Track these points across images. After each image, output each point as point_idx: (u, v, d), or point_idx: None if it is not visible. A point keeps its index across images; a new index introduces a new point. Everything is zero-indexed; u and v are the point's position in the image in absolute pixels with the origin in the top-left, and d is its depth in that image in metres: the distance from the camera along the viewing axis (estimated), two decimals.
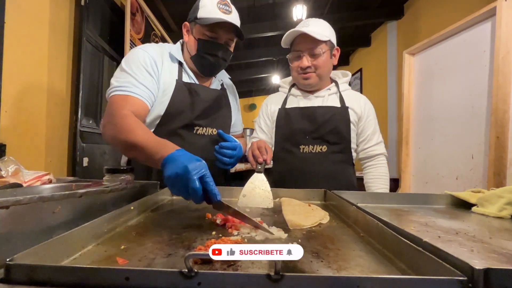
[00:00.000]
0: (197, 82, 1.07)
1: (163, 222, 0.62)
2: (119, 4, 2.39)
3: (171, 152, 0.65)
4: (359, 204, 0.66)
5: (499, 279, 0.30)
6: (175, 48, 1.05)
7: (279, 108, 1.20)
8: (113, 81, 0.91)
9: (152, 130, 0.98)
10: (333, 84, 1.19)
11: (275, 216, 0.69)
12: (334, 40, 1.13)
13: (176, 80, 1.00)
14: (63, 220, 0.45)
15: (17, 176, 0.74)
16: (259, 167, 0.90)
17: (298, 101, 1.18)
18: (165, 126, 1.00)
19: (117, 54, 2.28)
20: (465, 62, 1.69)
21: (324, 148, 1.11)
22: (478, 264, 0.31)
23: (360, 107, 1.15)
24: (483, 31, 1.57)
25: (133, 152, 0.78)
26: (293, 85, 1.25)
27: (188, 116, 1.02)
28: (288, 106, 1.19)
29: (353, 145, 1.15)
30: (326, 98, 1.15)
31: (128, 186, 0.70)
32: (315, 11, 3.42)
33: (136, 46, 2.41)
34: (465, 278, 0.30)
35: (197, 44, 1.00)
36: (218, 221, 0.61)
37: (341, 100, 1.15)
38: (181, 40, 1.10)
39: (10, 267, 0.31)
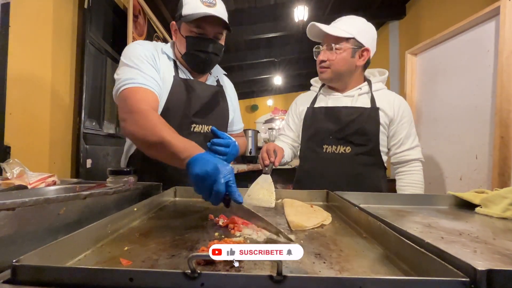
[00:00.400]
0: (192, 78, 1.06)
1: (166, 223, 0.63)
2: (121, 7, 2.41)
3: (201, 152, 0.65)
4: (361, 205, 0.66)
5: (502, 280, 0.30)
6: (167, 47, 1.04)
7: (308, 107, 1.20)
8: (118, 76, 0.89)
9: None
10: (365, 83, 1.15)
11: (278, 217, 0.69)
12: (363, 40, 1.09)
13: (174, 76, 0.99)
14: (68, 221, 0.46)
15: (22, 178, 0.74)
16: (266, 169, 0.92)
17: (327, 100, 1.17)
18: (167, 120, 0.94)
19: (120, 56, 2.30)
20: (469, 62, 1.68)
21: (348, 149, 1.08)
22: (481, 265, 0.31)
23: (393, 108, 1.09)
24: (487, 30, 1.56)
25: (156, 149, 0.76)
26: (323, 84, 1.24)
27: (186, 112, 1.01)
28: (316, 105, 1.19)
29: (382, 148, 1.10)
30: (355, 98, 1.12)
31: (131, 187, 0.70)
32: (317, 12, 3.41)
33: None
34: (468, 279, 0.29)
35: (186, 42, 0.98)
36: (220, 223, 0.61)
37: (372, 100, 1.10)
38: (171, 41, 1.09)
39: (16, 268, 0.32)
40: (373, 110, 1.08)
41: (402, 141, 1.10)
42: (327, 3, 3.32)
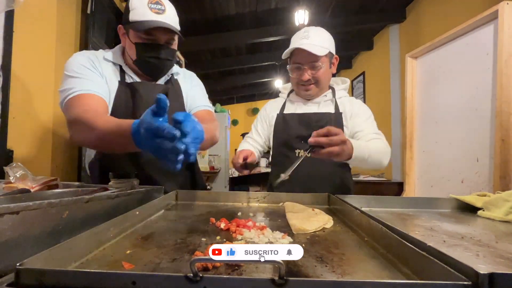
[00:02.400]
0: (139, 81, 1.02)
1: (168, 226, 0.63)
2: (123, 12, 2.43)
3: (130, 129, 0.64)
4: (363, 208, 0.66)
5: (505, 283, 0.30)
6: (111, 53, 1.01)
7: (277, 114, 1.25)
8: (61, 88, 0.88)
9: None
10: (330, 91, 1.23)
11: (279, 221, 0.69)
12: (333, 50, 1.15)
13: (119, 81, 0.97)
14: (71, 225, 0.46)
15: (24, 182, 0.75)
16: (243, 171, 1.04)
17: (295, 107, 1.23)
18: None
19: None
20: (468, 65, 1.68)
21: None
22: (484, 268, 0.31)
23: (352, 110, 1.17)
24: (486, 34, 1.56)
25: (106, 144, 0.77)
26: (291, 91, 1.29)
27: (135, 113, 0.96)
28: (286, 111, 1.24)
29: None
30: (321, 104, 1.20)
31: (133, 191, 0.71)
32: (317, 16, 3.44)
33: None
34: (470, 283, 0.29)
35: (136, 48, 0.94)
36: (222, 226, 0.61)
37: (336, 106, 1.18)
38: (119, 45, 1.05)
39: (20, 272, 0.32)
40: (337, 115, 1.16)
41: (362, 128, 1.13)
42: (328, 7, 3.34)
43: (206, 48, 4.15)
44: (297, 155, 1.15)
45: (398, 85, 3.53)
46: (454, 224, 0.67)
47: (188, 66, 4.23)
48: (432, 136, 1.95)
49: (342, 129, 1.12)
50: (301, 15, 3.04)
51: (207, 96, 1.29)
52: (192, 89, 1.20)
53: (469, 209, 0.80)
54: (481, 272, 0.30)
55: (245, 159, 1.10)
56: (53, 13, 1.60)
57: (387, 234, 0.47)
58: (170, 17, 0.94)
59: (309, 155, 0.80)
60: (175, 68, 1.17)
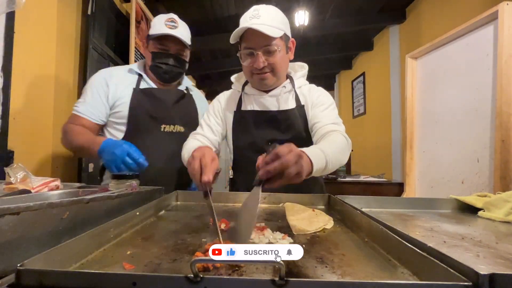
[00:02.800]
0: (155, 87, 1.22)
1: (168, 227, 0.63)
2: (124, 13, 2.44)
3: (99, 146, 0.97)
4: (363, 209, 0.66)
5: (505, 284, 0.30)
6: (136, 64, 1.24)
7: (234, 111, 1.08)
8: (77, 101, 1.16)
9: (125, 130, 1.15)
10: (288, 81, 1.08)
11: (279, 221, 0.69)
12: (288, 31, 0.99)
13: (134, 88, 1.17)
14: (71, 225, 0.46)
15: (25, 183, 0.75)
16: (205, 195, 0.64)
17: (252, 101, 1.07)
18: (134, 126, 1.14)
19: (123, 61, 2.32)
20: (468, 65, 1.68)
21: None
22: (484, 269, 0.31)
23: (311, 100, 1.05)
24: (486, 34, 1.56)
25: (81, 151, 1.12)
26: (246, 83, 1.11)
27: (152, 116, 1.16)
28: (244, 108, 1.08)
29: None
30: (281, 97, 1.05)
31: (134, 191, 0.71)
32: (317, 17, 3.44)
33: (141, 53, 2.45)
34: (470, 284, 0.29)
35: (151, 56, 1.17)
36: (222, 227, 0.61)
37: (297, 99, 1.06)
38: (144, 59, 1.29)
39: (20, 272, 0.32)
40: (299, 109, 1.04)
41: (321, 117, 0.99)
42: (328, 7, 3.34)
43: (207, 49, 4.16)
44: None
45: (398, 86, 3.53)
46: (455, 225, 0.67)
47: (188, 67, 4.23)
48: (432, 136, 1.95)
49: (306, 123, 1.03)
50: (301, 16, 3.05)
51: None
52: (204, 108, 1.34)
53: (470, 210, 0.80)
54: (482, 272, 0.30)
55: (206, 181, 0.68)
56: (54, 14, 1.60)
57: (387, 235, 0.47)
58: (181, 32, 1.15)
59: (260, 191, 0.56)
60: (189, 83, 1.38)
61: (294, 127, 1.03)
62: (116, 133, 1.16)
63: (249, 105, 1.08)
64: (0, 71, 1.30)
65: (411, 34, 3.27)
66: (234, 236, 0.55)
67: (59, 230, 0.44)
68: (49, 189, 0.77)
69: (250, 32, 0.91)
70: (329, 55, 4.60)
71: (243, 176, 1.11)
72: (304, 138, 1.03)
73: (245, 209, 0.58)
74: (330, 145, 0.81)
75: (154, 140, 1.15)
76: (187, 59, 1.24)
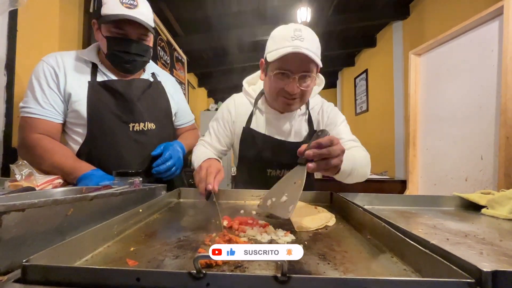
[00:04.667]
0: (115, 78, 1.02)
1: (171, 224, 0.63)
2: None
3: (85, 172, 0.86)
4: (365, 206, 0.66)
5: (508, 281, 0.30)
6: (86, 51, 1.02)
7: (244, 127, 1.04)
8: (22, 101, 0.94)
9: (86, 133, 0.96)
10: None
11: (281, 219, 0.69)
12: (319, 59, 0.93)
13: (89, 81, 0.96)
14: (75, 222, 0.47)
15: (30, 180, 0.76)
16: (208, 196, 0.76)
17: (264, 121, 1.04)
18: (97, 128, 0.96)
19: None
20: (473, 62, 1.67)
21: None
22: (487, 267, 0.31)
23: (324, 120, 1.04)
24: (491, 30, 1.55)
25: (52, 171, 0.88)
26: (258, 96, 1.07)
27: (116, 114, 0.97)
28: (253, 125, 1.04)
29: None
30: (295, 121, 1.03)
31: (137, 189, 0.71)
32: (320, 13, 3.42)
33: None
34: (473, 281, 0.29)
35: (107, 42, 0.94)
36: (224, 224, 0.61)
37: (309, 122, 1.04)
38: (96, 43, 1.05)
39: (26, 268, 0.32)
40: (311, 136, 0.99)
41: (340, 136, 0.97)
42: (330, 4, 3.32)
43: (208, 46, 4.15)
44: (268, 174, 1.04)
45: (401, 83, 3.51)
46: (458, 222, 0.67)
47: (190, 65, 4.23)
48: (435, 133, 1.94)
49: None
50: (303, 13, 3.03)
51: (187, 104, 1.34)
52: (178, 97, 1.22)
53: (473, 207, 0.80)
54: (485, 269, 0.30)
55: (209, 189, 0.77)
56: (56, 12, 1.60)
57: (389, 232, 0.47)
58: (142, 13, 0.94)
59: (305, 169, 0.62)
60: (154, 68, 1.18)
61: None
62: (75, 137, 0.97)
63: (260, 124, 1.04)
64: (3, 69, 1.31)
65: (415, 30, 3.23)
66: (275, 207, 0.59)
67: (63, 226, 0.45)
68: (53, 187, 0.77)
69: (292, 54, 0.82)
70: (332, 52, 4.56)
71: (245, 176, 1.10)
72: None
73: (286, 184, 0.63)
74: (357, 154, 0.83)
75: (123, 143, 0.99)
76: (151, 44, 1.03)
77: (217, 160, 0.92)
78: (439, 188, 1.87)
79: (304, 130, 1.04)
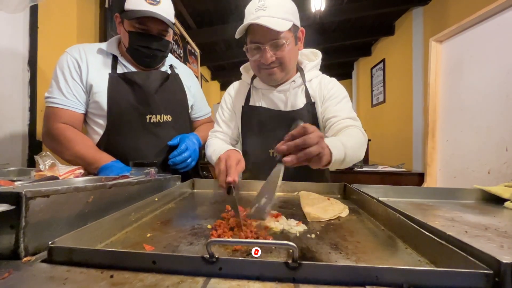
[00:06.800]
0: (134, 71, 1.05)
1: (186, 212, 0.65)
2: None
3: (106, 163, 0.88)
4: (380, 198, 0.65)
5: None
6: (107, 44, 1.05)
7: (243, 106, 1.07)
8: (48, 90, 0.98)
9: (106, 124, 1.00)
10: (298, 74, 1.04)
11: (294, 209, 0.70)
12: (297, 21, 0.94)
13: (109, 73, 1.00)
14: (95, 209, 0.49)
15: (53, 170, 0.80)
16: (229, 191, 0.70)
17: (260, 97, 1.05)
18: (116, 119, 0.99)
19: None
20: (499, 48, 1.56)
21: None
22: (507, 259, 0.29)
23: (323, 94, 1.01)
24: None
25: (74, 160, 0.93)
26: (255, 75, 1.08)
27: (134, 105, 1.00)
28: (251, 103, 1.07)
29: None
30: (290, 93, 1.01)
31: (152, 179, 0.73)
32: (334, 1, 3.31)
33: None
34: (491, 272, 0.29)
35: (129, 37, 0.98)
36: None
37: (307, 95, 1.02)
38: (117, 36, 1.09)
39: (52, 249, 0.35)
40: (309, 106, 1.00)
41: (335, 112, 0.95)
42: None
43: (221, 39, 4.14)
44: (271, 155, 1.02)
45: (420, 72, 3.36)
46: (478, 215, 0.64)
47: (203, 58, 4.24)
48: (456, 124, 1.85)
49: (316, 121, 1.00)
50: (317, 1, 2.94)
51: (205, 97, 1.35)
52: (195, 89, 1.24)
53: (496, 201, 0.76)
54: (504, 261, 0.29)
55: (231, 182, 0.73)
56: (74, 8, 1.65)
57: (404, 223, 0.46)
58: (164, 9, 0.96)
59: (282, 167, 0.59)
60: (173, 60, 1.21)
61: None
62: (96, 128, 1.02)
63: (257, 101, 1.06)
64: (27, 65, 1.37)
65: (437, 16, 3.07)
66: (257, 212, 0.56)
67: (85, 212, 0.47)
68: (74, 176, 0.81)
69: (256, 26, 0.86)
70: (347, 41, 4.42)
71: (248, 166, 1.07)
72: None
73: (266, 186, 0.60)
74: (349, 138, 0.79)
75: (140, 134, 1.02)
76: (171, 39, 1.07)
77: (236, 150, 0.91)
78: (459, 181, 1.80)
79: (301, 102, 1.02)
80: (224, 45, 4.55)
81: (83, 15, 1.73)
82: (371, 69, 4.80)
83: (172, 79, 1.13)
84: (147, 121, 1.03)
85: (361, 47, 4.94)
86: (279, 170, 0.58)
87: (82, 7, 1.72)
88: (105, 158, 0.92)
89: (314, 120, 1.01)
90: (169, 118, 1.08)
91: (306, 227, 0.54)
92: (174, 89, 1.13)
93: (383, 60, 4.39)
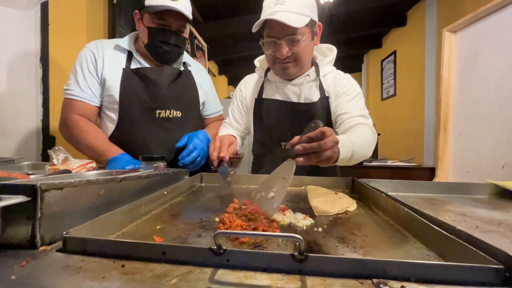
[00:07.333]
0: (148, 66, 1.07)
1: (194, 206, 0.66)
2: None
3: (114, 155, 0.91)
4: (389, 193, 0.64)
5: None
6: (124, 40, 1.08)
7: (256, 98, 1.09)
8: (67, 82, 1.02)
9: (117, 118, 1.03)
10: (313, 68, 1.04)
11: (301, 203, 0.70)
12: (315, 16, 0.93)
13: (123, 68, 1.02)
14: (107, 201, 0.51)
15: (66, 164, 0.82)
16: (214, 167, 0.84)
17: (274, 90, 1.07)
18: (126, 113, 1.02)
19: None
20: None
21: None
22: None
23: (337, 90, 1.02)
24: None
25: (86, 151, 0.97)
26: (269, 68, 1.09)
27: (144, 100, 1.03)
28: (265, 95, 1.08)
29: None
30: (304, 87, 1.02)
31: (162, 172, 0.75)
32: None
33: None
34: (502, 267, 0.28)
35: (148, 33, 0.99)
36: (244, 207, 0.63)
37: (321, 89, 1.02)
38: (134, 32, 1.12)
39: (66, 239, 0.36)
40: (323, 100, 1.01)
41: (346, 109, 0.96)
42: None
43: (228, 33, 4.11)
44: (283, 148, 1.03)
45: (433, 64, 3.26)
46: (491, 210, 0.63)
47: (210, 52, 4.24)
48: (470, 117, 1.80)
49: (330, 116, 1.01)
50: None
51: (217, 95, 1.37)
52: (207, 87, 1.25)
53: (510, 196, 0.74)
54: None
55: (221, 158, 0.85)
56: (83, 5, 1.67)
57: (413, 217, 0.46)
58: (183, 5, 0.98)
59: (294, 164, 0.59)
60: (186, 57, 1.23)
61: (315, 119, 0.99)
62: (108, 122, 1.05)
63: (271, 94, 1.07)
64: (39, 62, 1.40)
65: (451, 5, 2.96)
66: (262, 201, 0.56)
67: (97, 205, 0.48)
68: (86, 170, 0.83)
69: (272, 21, 0.87)
70: (357, 33, 4.32)
71: (259, 160, 1.12)
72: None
73: (275, 178, 0.60)
74: (358, 136, 0.81)
75: (148, 128, 1.04)
76: (187, 36, 1.09)
77: (232, 135, 1.00)
78: (472, 176, 1.76)
79: (315, 96, 1.02)
80: (231, 39, 4.52)
81: (92, 12, 1.75)
82: (382, 61, 4.69)
83: (185, 75, 1.15)
84: (156, 116, 1.05)
85: (372, 39, 4.81)
86: (291, 168, 0.58)
87: (91, 3, 1.74)
88: (114, 151, 0.95)
89: (327, 115, 1.02)
90: (179, 113, 1.09)
91: (313, 221, 0.55)
92: (185, 86, 1.14)
93: (394, 52, 4.27)
